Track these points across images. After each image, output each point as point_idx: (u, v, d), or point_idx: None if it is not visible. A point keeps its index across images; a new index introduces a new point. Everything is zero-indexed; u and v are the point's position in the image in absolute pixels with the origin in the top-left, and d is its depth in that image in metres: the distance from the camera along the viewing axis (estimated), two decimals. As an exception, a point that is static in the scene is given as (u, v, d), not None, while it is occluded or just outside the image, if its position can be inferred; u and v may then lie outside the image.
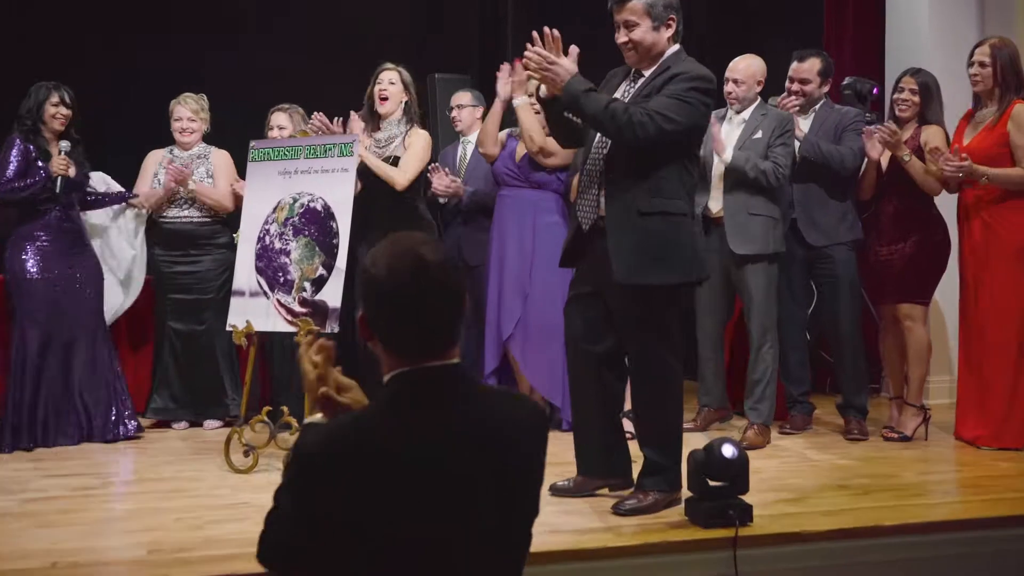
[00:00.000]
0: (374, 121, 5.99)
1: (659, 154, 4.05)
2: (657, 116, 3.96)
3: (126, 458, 5.68)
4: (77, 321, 5.86)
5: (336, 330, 5.28)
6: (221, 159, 6.35)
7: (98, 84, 7.04)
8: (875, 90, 6.44)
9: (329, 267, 5.35)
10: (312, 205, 5.49)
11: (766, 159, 5.64)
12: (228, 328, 5.56)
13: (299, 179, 5.55)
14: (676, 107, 4.00)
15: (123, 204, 6.21)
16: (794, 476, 4.96)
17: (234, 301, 5.59)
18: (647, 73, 4.20)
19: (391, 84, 5.93)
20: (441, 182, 6.29)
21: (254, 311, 5.46)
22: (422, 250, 2.21)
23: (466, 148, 6.60)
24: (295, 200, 5.54)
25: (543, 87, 4.15)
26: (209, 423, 6.30)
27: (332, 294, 5.31)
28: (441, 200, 6.44)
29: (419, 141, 5.92)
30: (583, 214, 4.29)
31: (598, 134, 4.17)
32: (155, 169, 6.25)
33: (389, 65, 5.97)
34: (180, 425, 6.30)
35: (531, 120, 5.68)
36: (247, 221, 5.67)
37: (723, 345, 6.24)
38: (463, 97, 6.67)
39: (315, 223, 5.45)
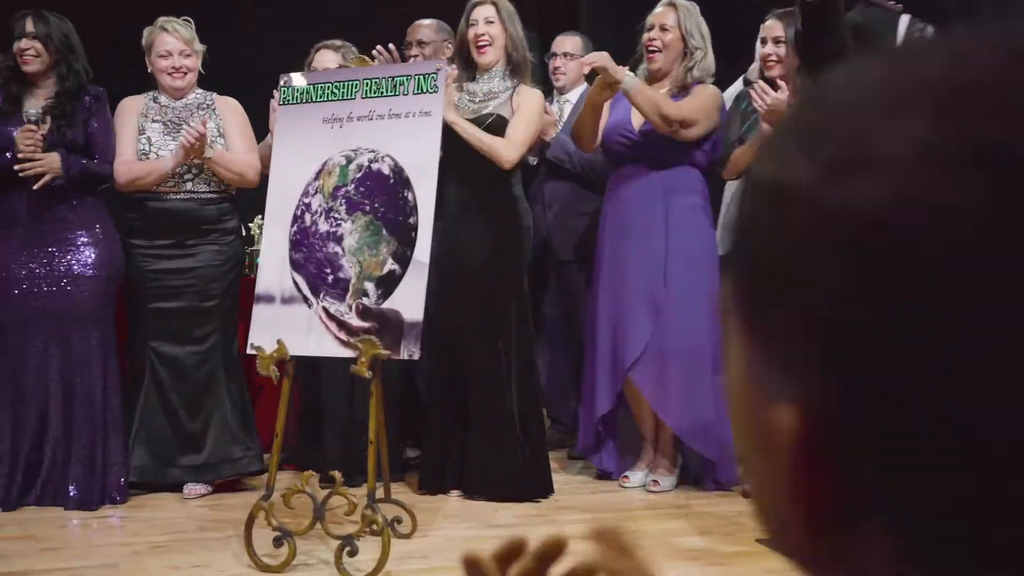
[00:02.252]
0: (469, 72, 4.27)
1: None
2: None
3: (97, 540, 3.83)
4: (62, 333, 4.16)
5: (416, 356, 3.44)
6: (232, 110, 4.43)
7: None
8: None
9: (404, 259, 3.51)
10: (376, 167, 3.65)
11: None
12: (250, 350, 3.70)
13: (356, 129, 3.72)
14: None
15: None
16: None
17: (258, 311, 3.74)
18: None
19: (488, 24, 4.20)
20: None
21: (289, 325, 3.63)
22: None
23: (563, 109, 5.10)
24: (349, 160, 3.70)
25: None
26: (198, 488, 4.35)
27: (409, 300, 3.47)
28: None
29: (532, 103, 4.22)
30: None
31: None
32: (139, 123, 4.33)
33: None
34: (192, 490, 4.36)
35: (651, 93, 4.18)
36: (276, 193, 3.83)
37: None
38: (569, 43, 5.19)
39: (381, 193, 3.61)
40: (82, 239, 4.14)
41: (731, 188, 4.57)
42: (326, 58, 4.47)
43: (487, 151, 4.03)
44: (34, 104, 4.16)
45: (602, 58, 4.09)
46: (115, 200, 4.37)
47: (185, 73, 4.31)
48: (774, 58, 4.23)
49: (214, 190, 4.29)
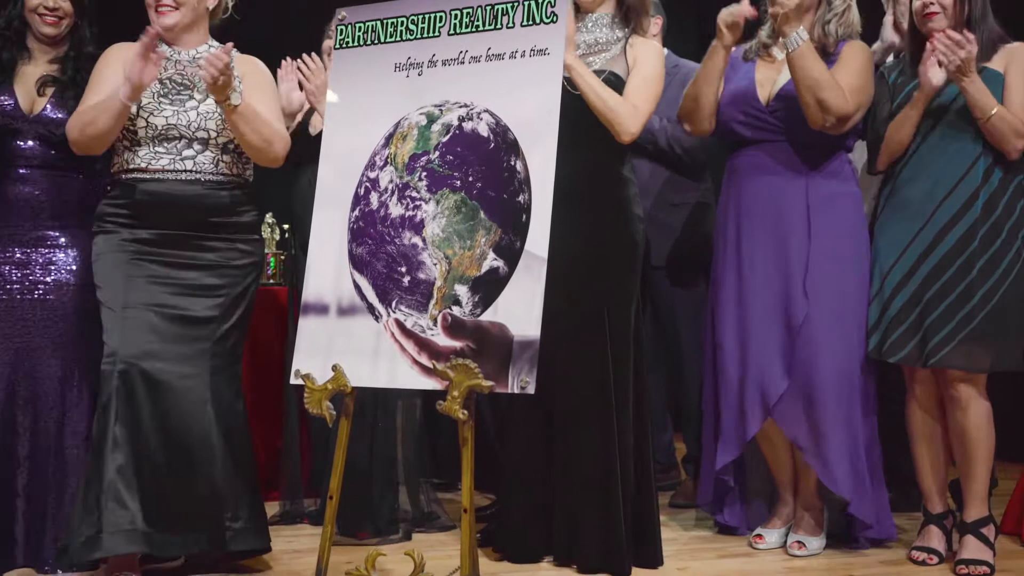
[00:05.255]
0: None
1: None
2: None
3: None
4: (31, 358, 3.13)
5: (531, 388, 2.42)
6: (256, 70, 3.24)
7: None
8: None
9: (510, 252, 2.52)
10: (469, 127, 2.65)
11: None
12: (295, 379, 2.69)
13: (441, 77, 2.73)
14: None
15: None
16: None
17: (306, 326, 2.75)
18: None
19: None
20: None
21: (348, 345, 2.64)
22: None
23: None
24: (432, 119, 2.71)
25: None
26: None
27: (520, 309, 2.47)
28: None
29: (653, 58, 3.19)
30: None
31: None
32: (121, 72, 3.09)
33: None
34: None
35: (820, 69, 3.23)
36: (330, 165, 2.84)
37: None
38: None
39: (477, 163, 2.62)
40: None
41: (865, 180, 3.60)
42: None
43: (608, 116, 3.00)
44: (34, 72, 3.18)
45: None
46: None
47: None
48: (935, 7, 3.23)
49: (225, 172, 3.10)
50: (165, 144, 3.03)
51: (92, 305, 3.08)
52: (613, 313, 3.09)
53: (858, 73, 3.30)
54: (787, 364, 3.33)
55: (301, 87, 3.48)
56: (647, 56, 3.15)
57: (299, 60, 3.45)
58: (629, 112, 3.02)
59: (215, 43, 3.17)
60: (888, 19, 3.79)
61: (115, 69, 3.02)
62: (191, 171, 3.04)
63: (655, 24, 3.84)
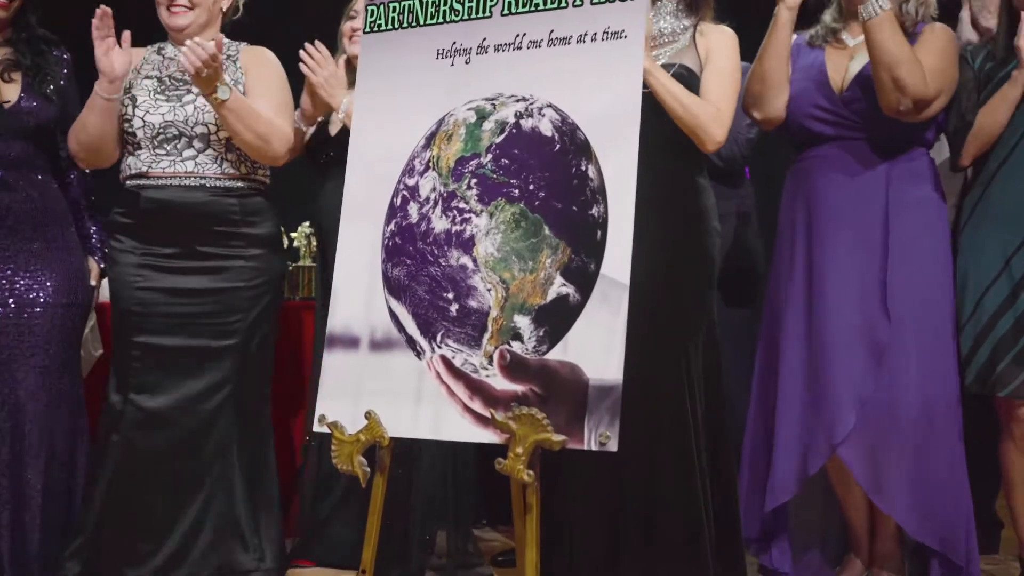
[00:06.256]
0: None
1: None
2: None
3: None
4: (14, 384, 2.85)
5: (614, 445, 1.97)
6: (262, 61, 2.99)
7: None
8: None
9: (583, 276, 2.09)
10: (529, 126, 2.22)
11: None
12: (318, 427, 2.24)
13: (493, 65, 2.29)
14: None
15: None
16: None
17: (332, 362, 2.31)
18: None
19: None
20: None
21: (384, 387, 2.21)
22: None
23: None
24: (483, 115, 2.28)
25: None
26: None
27: (597, 346, 2.02)
28: None
29: (728, 49, 2.82)
30: None
31: None
32: (128, 81, 2.90)
33: None
34: None
35: (900, 41, 2.82)
36: (359, 172, 2.39)
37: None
38: None
39: (539, 167, 2.18)
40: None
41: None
42: None
43: (690, 123, 2.60)
44: None
45: None
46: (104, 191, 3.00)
47: (190, 8, 2.89)
48: None
49: (232, 174, 2.83)
50: (165, 145, 2.82)
51: (77, 325, 2.92)
52: (690, 338, 2.69)
53: (940, 55, 2.89)
54: (861, 394, 2.90)
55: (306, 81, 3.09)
56: (721, 46, 2.75)
57: (301, 51, 3.05)
58: (712, 116, 2.64)
59: (223, 38, 2.92)
60: (965, 15, 3.37)
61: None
62: (193, 174, 2.82)
63: None
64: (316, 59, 2.98)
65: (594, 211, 2.11)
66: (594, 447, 1.98)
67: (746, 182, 3.74)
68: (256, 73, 2.91)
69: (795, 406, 2.97)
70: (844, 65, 3.00)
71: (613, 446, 1.97)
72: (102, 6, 2.73)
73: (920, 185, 2.99)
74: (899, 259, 2.93)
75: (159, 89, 2.86)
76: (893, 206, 2.95)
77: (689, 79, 2.70)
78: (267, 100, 2.86)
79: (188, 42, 2.64)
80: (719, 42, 2.76)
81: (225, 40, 2.93)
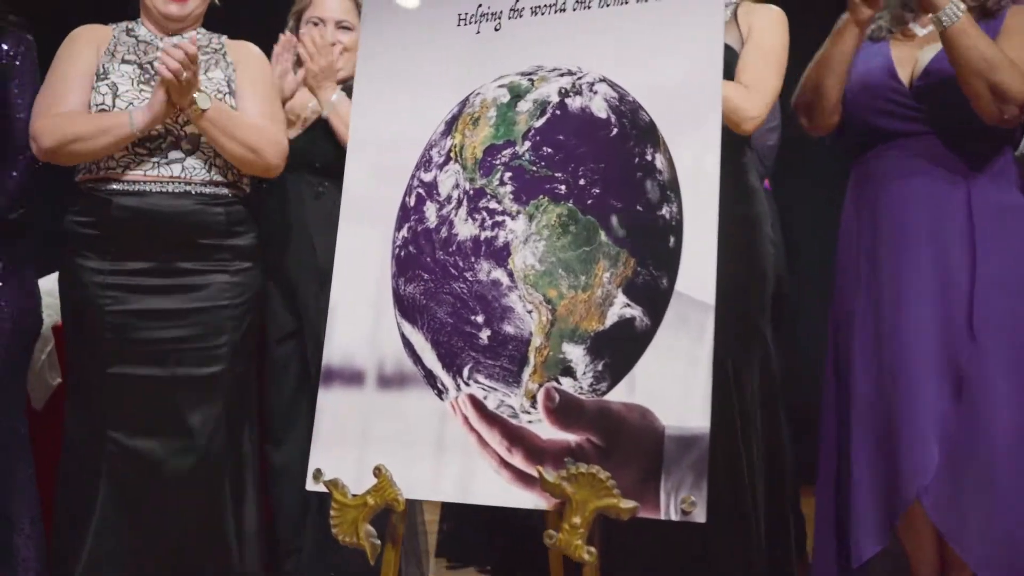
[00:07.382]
0: None
1: None
2: None
3: None
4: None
5: (702, 516, 1.52)
6: (251, 59, 2.59)
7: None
8: None
9: (651, 293, 1.62)
10: (576, 104, 1.77)
11: None
12: (312, 484, 1.78)
13: (529, 32, 1.83)
14: None
15: None
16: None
17: (328, 401, 1.84)
18: None
19: None
20: None
21: (395, 433, 1.75)
22: None
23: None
24: (518, 93, 1.82)
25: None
26: None
27: (672, 383, 1.56)
28: None
29: (775, 26, 2.52)
30: None
31: None
32: (101, 64, 2.47)
33: None
34: None
35: (988, 45, 2.48)
36: (358, 164, 1.95)
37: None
38: None
39: (591, 158, 1.74)
40: None
41: None
42: None
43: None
44: None
45: None
46: (54, 193, 2.50)
47: None
48: None
49: (219, 180, 2.41)
50: (147, 144, 2.40)
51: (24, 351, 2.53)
52: (745, 362, 2.28)
53: None
54: (944, 428, 2.48)
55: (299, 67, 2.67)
56: (765, 23, 2.40)
57: (301, 33, 2.64)
58: (746, 96, 2.29)
59: (203, 31, 2.57)
60: None
61: (87, 58, 2.48)
62: (179, 179, 2.40)
63: None
64: (317, 45, 2.59)
65: (664, 211, 1.67)
66: (674, 516, 1.53)
67: (767, 193, 3.38)
68: (244, 73, 2.52)
69: (869, 443, 2.56)
70: (913, 56, 2.60)
71: (700, 515, 1.52)
72: (179, 46, 2.33)
73: (1007, 190, 2.57)
74: (987, 274, 2.51)
75: (143, 78, 2.43)
76: (978, 213, 2.52)
77: (728, 57, 2.34)
78: (257, 103, 2.48)
79: (165, 46, 2.26)
80: (764, 20, 2.43)
81: (205, 31, 2.52)
